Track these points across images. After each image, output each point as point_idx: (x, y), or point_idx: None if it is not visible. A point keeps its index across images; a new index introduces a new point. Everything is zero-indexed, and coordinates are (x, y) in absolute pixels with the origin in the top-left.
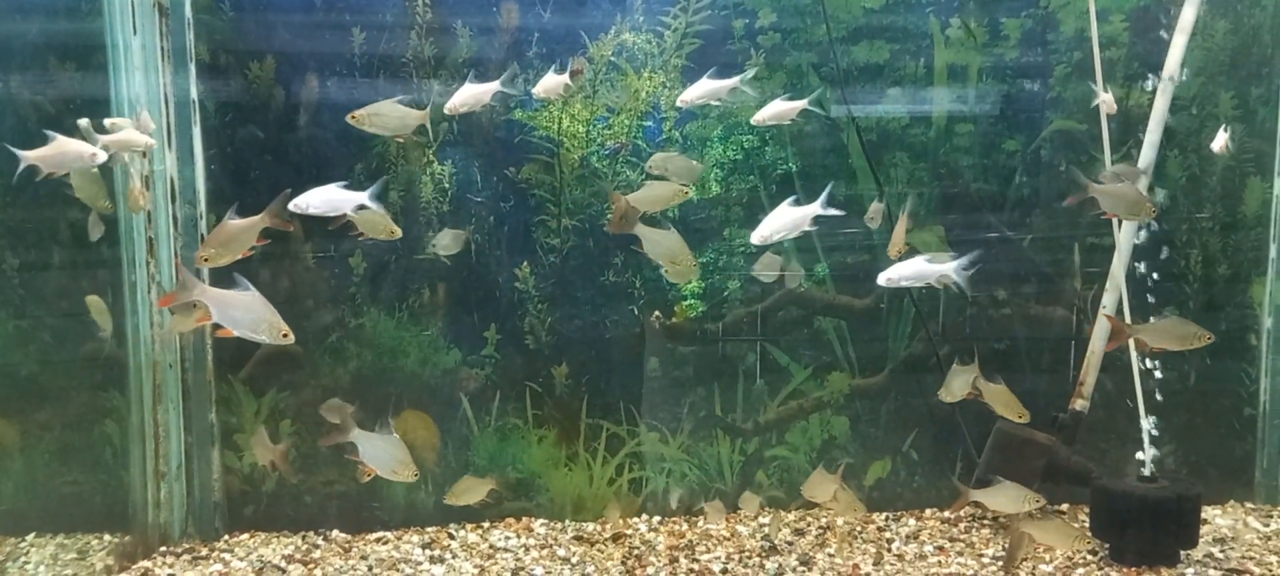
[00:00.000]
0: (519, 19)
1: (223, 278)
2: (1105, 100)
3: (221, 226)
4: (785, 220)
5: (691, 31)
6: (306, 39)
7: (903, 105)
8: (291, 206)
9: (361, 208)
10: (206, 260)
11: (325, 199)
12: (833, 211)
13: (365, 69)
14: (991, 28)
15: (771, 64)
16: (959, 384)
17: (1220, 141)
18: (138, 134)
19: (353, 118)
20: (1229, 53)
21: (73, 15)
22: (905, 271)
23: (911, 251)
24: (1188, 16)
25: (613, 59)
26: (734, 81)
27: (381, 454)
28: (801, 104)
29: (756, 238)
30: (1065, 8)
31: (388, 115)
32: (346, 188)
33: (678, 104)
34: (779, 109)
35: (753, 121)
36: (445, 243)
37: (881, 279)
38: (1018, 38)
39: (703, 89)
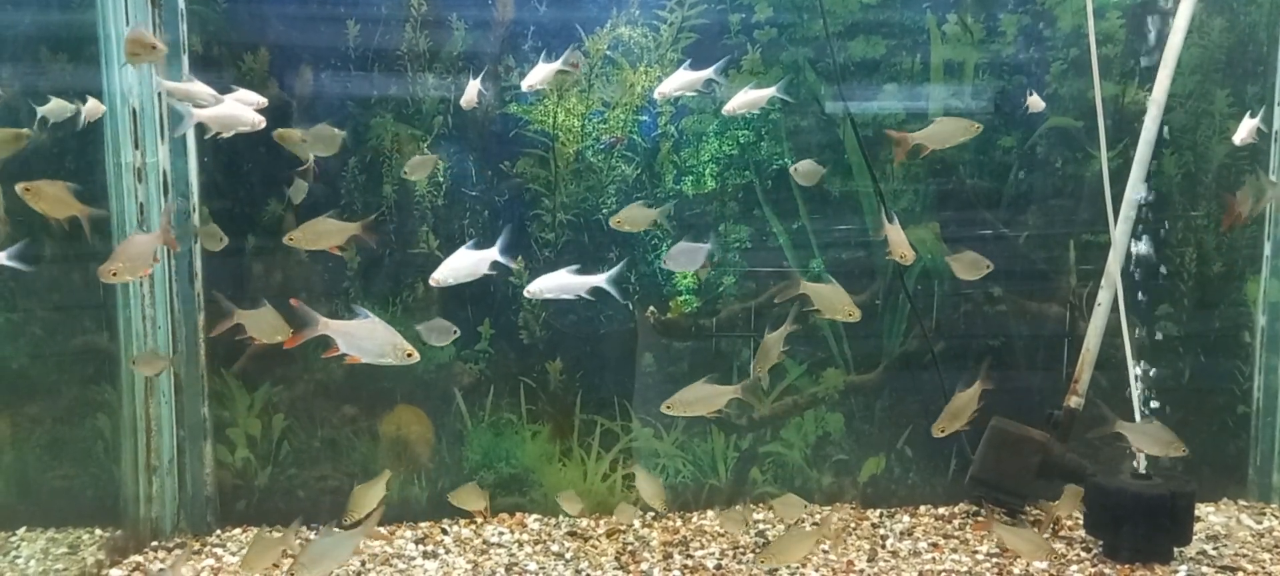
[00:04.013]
0: (514, 12)
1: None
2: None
3: (129, 241)
4: (463, 263)
5: (687, 26)
6: (300, 31)
7: (899, 101)
8: None
9: None
10: (114, 275)
11: None
12: (508, 262)
13: (359, 62)
14: (988, 24)
15: (767, 59)
16: (772, 346)
17: (1246, 129)
18: (245, 110)
19: None
20: (1225, 50)
21: (65, 7)
22: (549, 284)
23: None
24: (1171, 57)
25: (608, 53)
26: (708, 72)
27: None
28: (769, 92)
29: (434, 279)
30: (1062, 4)
31: None
32: None
33: (655, 96)
34: (748, 98)
35: (723, 111)
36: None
37: (527, 292)
38: (1014, 34)
39: (679, 81)
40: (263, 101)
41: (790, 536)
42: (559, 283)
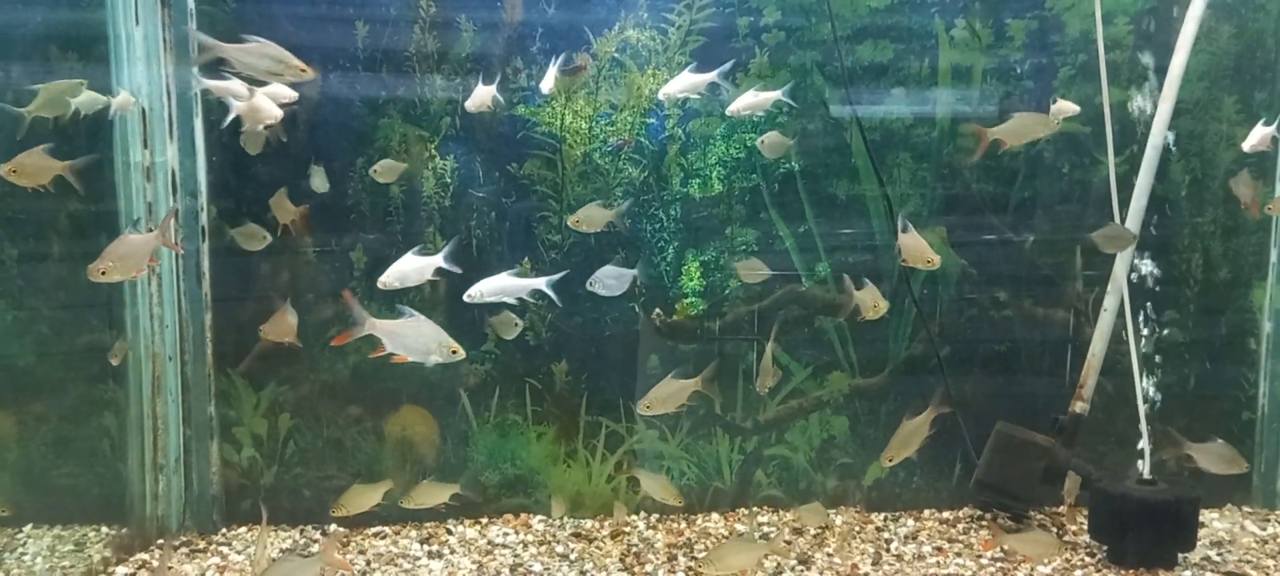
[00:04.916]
0: (522, 14)
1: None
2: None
3: (120, 240)
4: (408, 267)
5: (695, 29)
6: (309, 31)
7: (907, 105)
8: None
9: None
10: (103, 273)
11: None
12: (452, 267)
13: (368, 62)
14: (996, 29)
15: (775, 62)
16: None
17: (1258, 136)
18: (268, 104)
19: None
20: (1233, 57)
21: (75, 5)
22: (489, 287)
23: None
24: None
25: (616, 55)
26: (712, 75)
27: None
28: (774, 94)
29: (381, 283)
30: (1070, 10)
31: None
32: None
33: (659, 96)
34: (752, 100)
35: (727, 112)
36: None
37: (467, 296)
38: (1022, 39)
39: (683, 83)
40: (293, 96)
41: (733, 545)
42: (499, 286)
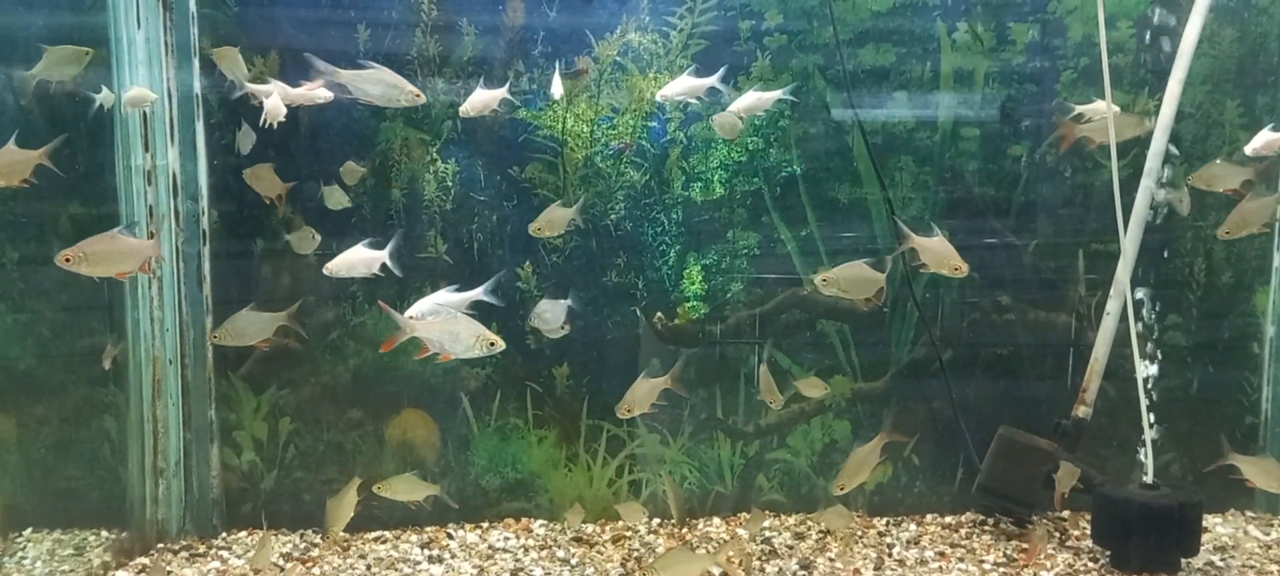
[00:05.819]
0: (524, 17)
1: None
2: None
3: (105, 236)
4: (356, 258)
5: (697, 32)
6: (311, 34)
7: (908, 109)
8: None
9: None
10: (68, 261)
11: None
12: (394, 268)
13: None
14: (998, 33)
15: (777, 66)
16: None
17: (1262, 140)
18: (321, 91)
19: None
20: (1235, 61)
21: (77, 9)
22: (429, 306)
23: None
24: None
25: (618, 59)
26: (711, 79)
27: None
28: (776, 94)
29: (328, 269)
30: (1072, 14)
31: None
32: None
33: (657, 98)
34: (753, 100)
35: (727, 111)
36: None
37: (415, 314)
38: (1024, 43)
39: (682, 86)
40: (328, 96)
41: (678, 554)
42: (439, 302)
